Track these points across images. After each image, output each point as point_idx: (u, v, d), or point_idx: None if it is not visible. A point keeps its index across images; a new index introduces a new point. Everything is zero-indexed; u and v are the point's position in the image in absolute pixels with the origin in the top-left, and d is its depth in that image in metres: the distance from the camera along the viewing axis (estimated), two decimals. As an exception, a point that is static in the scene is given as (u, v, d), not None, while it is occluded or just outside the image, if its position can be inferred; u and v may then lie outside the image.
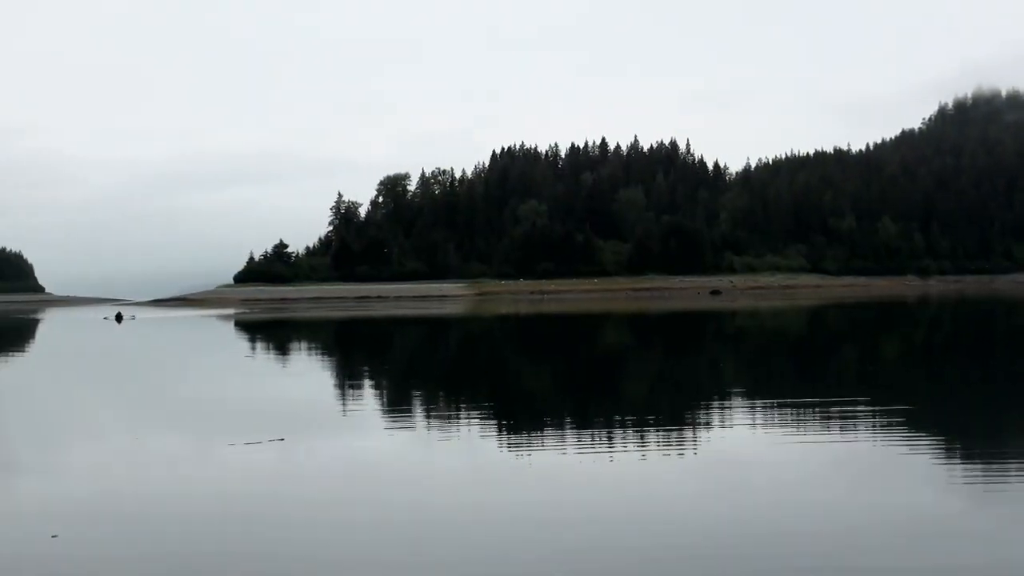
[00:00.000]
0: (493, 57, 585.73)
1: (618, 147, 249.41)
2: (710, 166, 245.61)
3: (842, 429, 16.78)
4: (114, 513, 11.70)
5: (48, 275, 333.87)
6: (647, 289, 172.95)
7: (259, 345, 50.92)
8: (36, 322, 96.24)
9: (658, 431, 17.10)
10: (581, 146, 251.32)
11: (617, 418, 18.99)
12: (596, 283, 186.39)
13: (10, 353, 48.25)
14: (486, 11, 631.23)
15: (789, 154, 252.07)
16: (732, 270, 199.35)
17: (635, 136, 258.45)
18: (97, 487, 13.26)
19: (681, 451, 15.10)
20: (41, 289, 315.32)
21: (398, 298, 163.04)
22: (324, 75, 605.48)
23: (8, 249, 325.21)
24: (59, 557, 9.85)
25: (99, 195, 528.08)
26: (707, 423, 18.04)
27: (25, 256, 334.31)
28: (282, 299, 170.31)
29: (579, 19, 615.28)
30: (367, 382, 28.67)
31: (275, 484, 13.26)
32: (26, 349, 52.88)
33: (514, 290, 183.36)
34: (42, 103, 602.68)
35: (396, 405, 22.49)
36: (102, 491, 12.97)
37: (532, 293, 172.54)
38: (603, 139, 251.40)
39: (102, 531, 10.84)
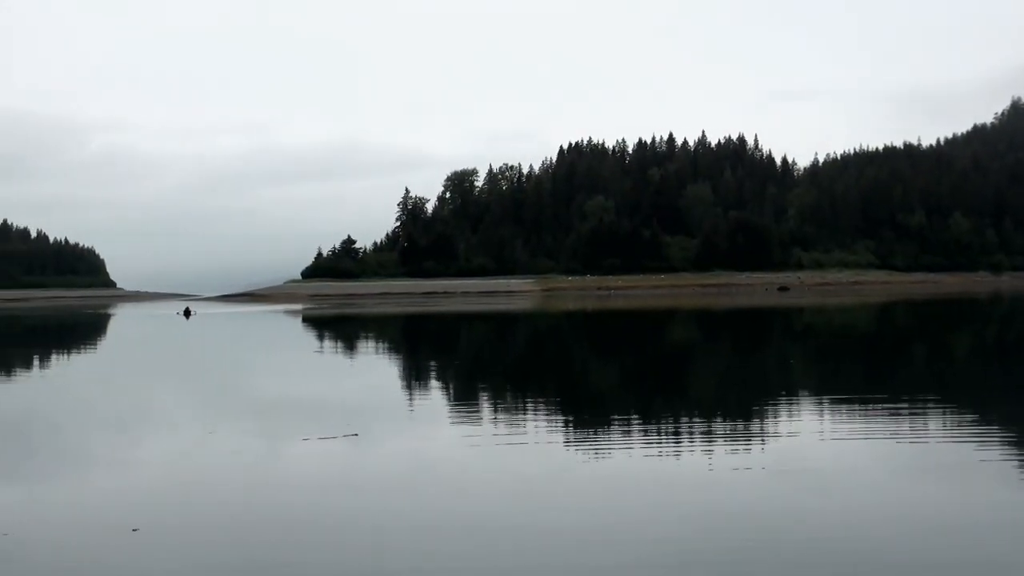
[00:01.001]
0: (562, 53, 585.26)
1: (685, 142, 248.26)
2: (778, 161, 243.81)
3: (912, 428, 16.62)
4: (193, 507, 11.79)
5: (119, 270, 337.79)
6: (714, 285, 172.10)
7: (327, 340, 51.25)
8: (107, 317, 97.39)
9: (725, 430, 17.09)
10: (648, 141, 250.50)
11: (684, 417, 18.94)
12: (663, 279, 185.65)
13: (84, 348, 48.97)
14: (555, 7, 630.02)
15: (858, 149, 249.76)
16: (800, 266, 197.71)
17: (702, 131, 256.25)
18: (175, 481, 13.36)
19: (748, 451, 14.96)
20: (112, 284, 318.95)
21: (465, 294, 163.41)
22: (394, 72, 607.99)
23: (81, 245, 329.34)
24: (141, 550, 9.92)
25: (171, 191, 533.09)
26: (775, 422, 17.93)
27: (97, 251, 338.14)
28: (349, 295, 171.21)
29: (647, 15, 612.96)
30: (436, 378, 28.74)
31: (349, 479, 13.31)
32: (98, 344, 53.61)
33: (581, 286, 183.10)
34: (118, 100, 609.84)
35: (464, 402, 22.51)
36: (180, 485, 13.08)
37: (599, 289, 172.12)
38: (670, 134, 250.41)
39: (181, 524, 10.93)
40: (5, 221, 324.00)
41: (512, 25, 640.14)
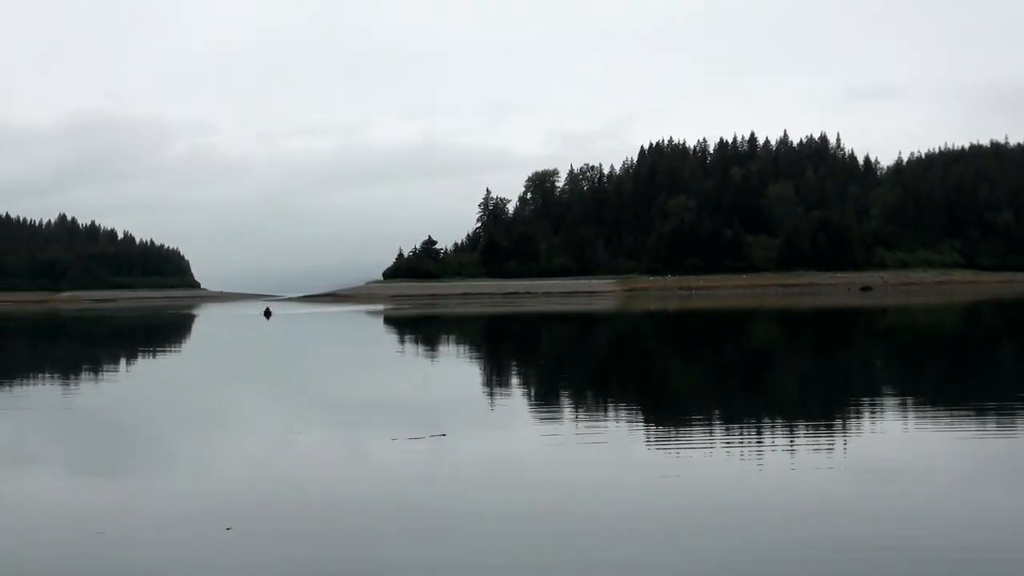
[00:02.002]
0: (642, 52, 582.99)
1: (767, 142, 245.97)
2: (860, 160, 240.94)
3: (999, 429, 16.47)
4: (285, 506, 11.88)
5: (204, 271, 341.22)
6: (796, 285, 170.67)
7: (409, 341, 51.52)
8: (191, 318, 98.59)
9: (807, 430, 17.06)
10: (729, 141, 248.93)
11: (766, 417, 18.93)
12: (744, 279, 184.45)
13: (169, 349, 49.82)
14: (635, 5, 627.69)
15: (943, 148, 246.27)
16: (883, 266, 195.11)
17: (784, 131, 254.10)
18: (266, 481, 13.51)
19: (831, 451, 14.93)
20: (197, 285, 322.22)
21: (546, 294, 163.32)
22: (475, 73, 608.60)
23: (167, 246, 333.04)
24: (233, 550, 10.02)
25: (255, 192, 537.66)
26: (858, 421, 17.84)
27: (182, 252, 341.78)
28: (431, 295, 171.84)
29: (728, 15, 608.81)
30: (519, 378, 28.85)
31: (439, 479, 13.38)
32: (183, 345, 54.42)
33: (662, 286, 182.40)
34: (203, 102, 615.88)
35: (548, 402, 22.48)
36: (271, 484, 13.21)
37: (680, 289, 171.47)
38: (752, 134, 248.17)
39: (274, 524, 11.02)
40: (93, 223, 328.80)
41: (593, 25, 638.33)
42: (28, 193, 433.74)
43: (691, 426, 17.66)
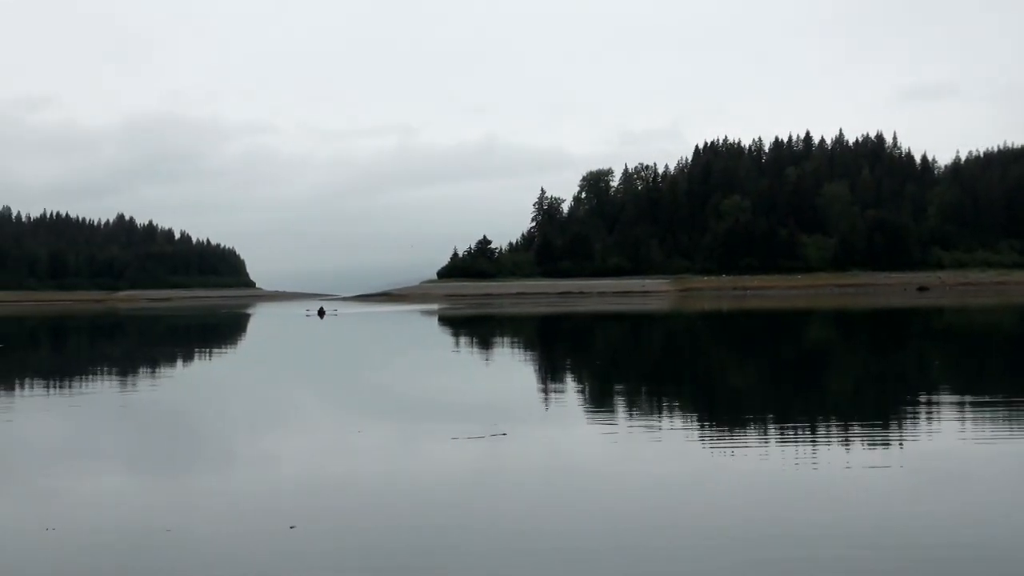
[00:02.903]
0: (700, 52, 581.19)
1: (822, 141, 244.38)
2: (917, 159, 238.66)
3: None
4: (348, 505, 11.91)
5: (259, 270, 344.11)
6: (851, 285, 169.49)
7: (464, 340, 51.57)
8: (246, 317, 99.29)
9: (862, 430, 16.97)
10: (784, 140, 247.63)
11: (820, 416, 18.90)
12: (799, 279, 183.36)
13: (226, 347, 50.28)
14: (693, 5, 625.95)
15: (1002, 147, 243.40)
16: (940, 266, 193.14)
17: (840, 130, 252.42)
18: (328, 479, 13.54)
19: (886, 450, 14.92)
20: (252, 284, 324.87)
21: (600, 294, 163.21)
22: (532, 73, 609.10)
23: (223, 245, 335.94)
24: (297, 547, 10.07)
25: (311, 192, 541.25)
26: (913, 421, 17.76)
27: (238, 252, 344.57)
28: (485, 294, 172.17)
29: (781, 14, 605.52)
30: (576, 378, 28.77)
31: (501, 478, 13.40)
32: (240, 343, 54.91)
33: (716, 286, 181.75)
34: (260, 103, 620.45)
35: (605, 402, 22.38)
36: (334, 483, 13.26)
37: (734, 289, 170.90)
38: (807, 133, 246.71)
39: (337, 523, 11.04)
40: (151, 222, 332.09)
41: (648, 24, 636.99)
42: (88, 193, 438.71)
43: (746, 425, 17.59)
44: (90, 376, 32.20)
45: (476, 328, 64.83)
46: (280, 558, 9.71)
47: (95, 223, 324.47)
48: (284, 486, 13.18)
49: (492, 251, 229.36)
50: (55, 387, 27.89)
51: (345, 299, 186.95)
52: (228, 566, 9.47)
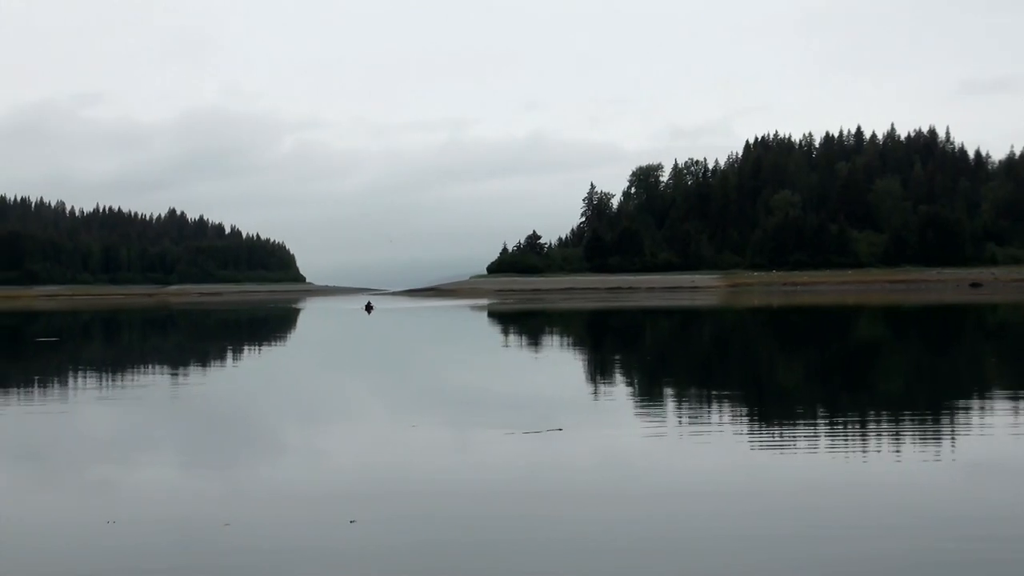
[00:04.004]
0: (748, 47, 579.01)
1: (874, 136, 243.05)
2: (971, 154, 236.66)
3: None
4: (406, 500, 11.83)
5: (309, 265, 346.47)
6: (903, 281, 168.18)
7: (514, 335, 51.54)
8: (295, 311, 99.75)
9: (914, 425, 16.82)
10: (835, 135, 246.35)
11: (871, 411, 18.76)
12: (850, 275, 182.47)
13: (274, 341, 50.62)
14: (742, 5, 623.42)
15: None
16: (993, 262, 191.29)
17: (891, 124, 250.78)
18: (386, 474, 13.48)
19: (938, 444, 14.84)
20: (302, 279, 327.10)
21: (649, 289, 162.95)
22: (580, 69, 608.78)
23: (273, 240, 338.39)
24: (357, 542, 10.01)
25: (362, 187, 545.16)
26: (966, 417, 17.59)
27: (288, 247, 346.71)
28: (534, 290, 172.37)
29: (836, 6, 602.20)
30: (630, 374, 28.53)
31: (558, 474, 13.25)
32: (288, 337, 55.29)
33: (766, 281, 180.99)
34: (313, 98, 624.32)
35: (658, 398, 22.22)
36: (391, 477, 13.19)
37: (784, 285, 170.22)
38: (858, 127, 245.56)
39: (395, 517, 10.97)
40: (201, 217, 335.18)
41: (698, 21, 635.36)
42: (141, 188, 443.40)
43: (796, 425, 17.38)
44: (143, 369, 32.46)
45: (526, 323, 64.79)
46: (341, 552, 9.71)
47: (147, 218, 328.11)
48: (341, 480, 13.17)
49: (541, 246, 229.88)
50: (109, 380, 28.12)
51: (394, 294, 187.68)
52: (289, 560, 9.50)
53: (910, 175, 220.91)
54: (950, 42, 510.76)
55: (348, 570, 9.20)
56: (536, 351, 38.64)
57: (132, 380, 28.11)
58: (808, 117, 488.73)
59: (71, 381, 27.87)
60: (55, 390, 25.11)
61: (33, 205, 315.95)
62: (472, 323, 68.59)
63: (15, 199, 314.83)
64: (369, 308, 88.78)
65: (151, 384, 26.64)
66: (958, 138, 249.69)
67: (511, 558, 9.48)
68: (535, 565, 9.28)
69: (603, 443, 15.74)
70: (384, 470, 13.76)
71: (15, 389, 25.66)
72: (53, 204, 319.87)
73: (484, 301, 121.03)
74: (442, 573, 9.10)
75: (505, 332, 55.42)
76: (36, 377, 29.00)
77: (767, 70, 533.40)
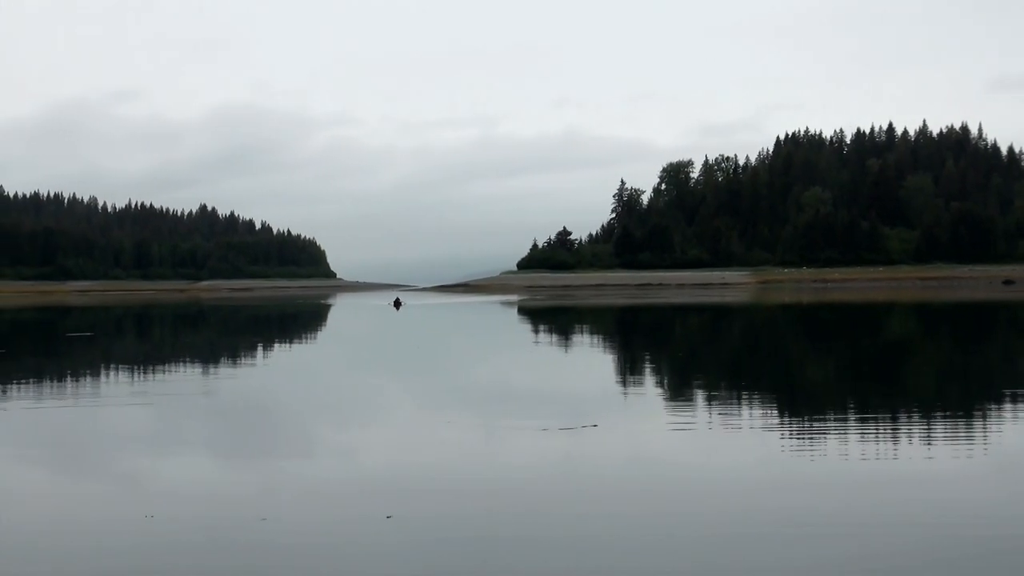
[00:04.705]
0: (780, 44, 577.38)
1: (905, 132, 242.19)
2: (1004, 151, 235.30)
3: None
4: (442, 496, 11.79)
5: (340, 261, 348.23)
6: (934, 278, 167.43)
7: (545, 331, 51.45)
8: (325, 307, 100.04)
9: (945, 422, 16.71)
10: (867, 132, 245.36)
11: (902, 408, 18.68)
12: (881, 272, 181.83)
13: (305, 337, 50.82)
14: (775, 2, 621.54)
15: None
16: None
17: (923, 121, 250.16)
18: (421, 470, 13.43)
19: (970, 441, 14.80)
20: (332, 275, 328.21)
21: (679, 286, 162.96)
22: (610, 64, 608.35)
23: (303, 236, 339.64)
24: (396, 538, 10.00)
25: (392, 184, 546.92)
26: (1000, 417, 17.41)
27: (318, 243, 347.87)
28: (564, 286, 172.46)
29: (868, 3, 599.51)
30: (662, 371, 28.52)
31: (596, 471, 13.19)
32: (319, 333, 55.53)
33: (797, 278, 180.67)
34: (344, 95, 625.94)
35: (692, 395, 21.87)
36: (427, 473, 13.16)
37: (814, 282, 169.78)
38: (890, 124, 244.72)
39: (432, 514, 10.93)
40: (232, 213, 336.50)
41: (730, 16, 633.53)
42: (173, 184, 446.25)
43: (826, 422, 17.27)
44: (176, 364, 32.57)
45: (556, 319, 64.81)
46: (379, 548, 9.71)
47: (178, 214, 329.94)
48: (377, 476, 13.17)
49: (572, 242, 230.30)
50: (141, 375, 28.23)
51: (424, 290, 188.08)
52: (327, 556, 9.50)
53: (942, 172, 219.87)
54: (982, 38, 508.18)
55: (387, 566, 9.19)
56: (567, 347, 38.59)
57: (165, 375, 28.21)
58: (839, 114, 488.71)
59: (105, 376, 28.02)
60: (90, 385, 25.25)
61: (66, 201, 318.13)
62: (502, 319, 68.74)
63: (49, 195, 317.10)
64: (398, 304, 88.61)
65: (184, 379, 26.74)
66: (990, 135, 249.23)
67: (550, 555, 9.45)
68: (575, 562, 9.25)
69: (639, 439, 15.74)
70: (420, 466, 13.72)
71: (51, 384, 25.76)
72: (86, 200, 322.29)
73: (514, 297, 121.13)
74: (480, 569, 9.09)
75: (535, 328, 55.50)
76: (71, 372, 29.19)
77: (799, 67, 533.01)
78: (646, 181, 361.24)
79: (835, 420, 17.46)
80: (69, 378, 27.38)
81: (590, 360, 32.12)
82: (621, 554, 9.44)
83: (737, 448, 14.81)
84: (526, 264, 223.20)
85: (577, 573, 8.96)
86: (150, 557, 9.51)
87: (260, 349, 39.79)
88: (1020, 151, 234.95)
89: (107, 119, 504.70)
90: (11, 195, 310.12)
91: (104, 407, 20.58)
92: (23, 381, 26.10)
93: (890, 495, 11.57)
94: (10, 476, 13.63)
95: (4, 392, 23.19)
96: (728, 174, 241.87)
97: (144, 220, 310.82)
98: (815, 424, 16.96)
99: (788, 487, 12.16)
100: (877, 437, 15.38)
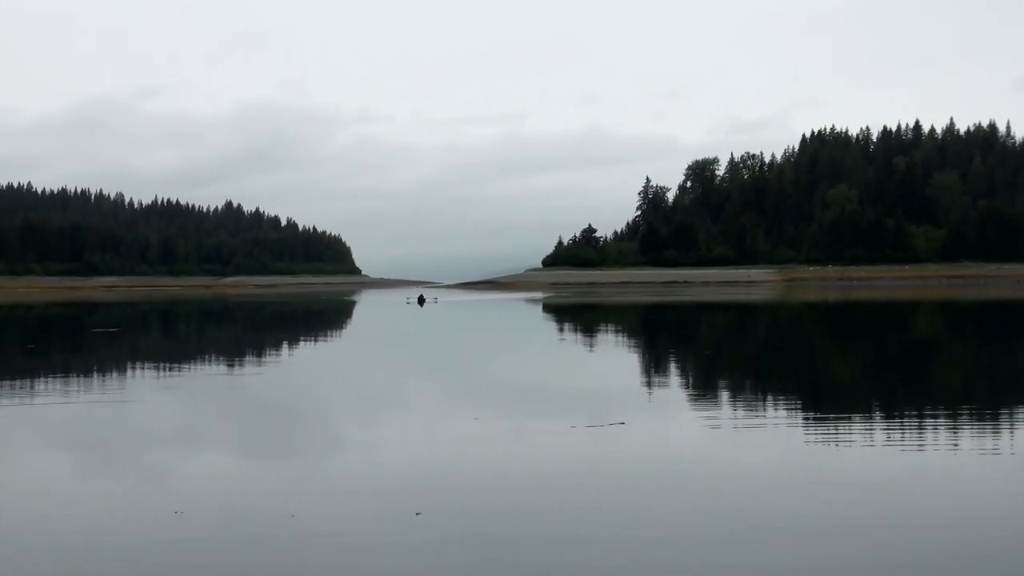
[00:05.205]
0: (807, 42, 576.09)
1: (932, 130, 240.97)
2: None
3: None
4: (470, 492, 11.80)
5: (365, 257, 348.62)
6: (961, 277, 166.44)
7: (570, 329, 51.45)
8: (350, 304, 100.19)
9: (971, 419, 16.76)
10: (893, 129, 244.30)
11: (928, 406, 18.74)
12: (907, 270, 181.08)
13: (330, 333, 50.99)
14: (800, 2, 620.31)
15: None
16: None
17: (950, 118, 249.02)
18: (449, 466, 13.48)
19: (998, 441, 14.76)
20: (358, 271, 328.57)
21: (704, 283, 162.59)
22: (636, 61, 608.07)
23: (329, 232, 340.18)
24: (425, 534, 10.00)
25: (418, 181, 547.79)
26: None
27: (344, 239, 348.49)
28: (589, 283, 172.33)
29: (893, 2, 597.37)
30: (689, 368, 28.54)
31: (623, 468, 13.17)
32: (344, 329, 55.80)
33: (822, 276, 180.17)
34: (370, 92, 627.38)
35: (719, 392, 21.99)
36: (455, 470, 13.20)
37: (840, 280, 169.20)
38: (916, 122, 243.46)
39: (461, 510, 10.94)
40: (257, 209, 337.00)
41: (757, 14, 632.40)
42: (199, 181, 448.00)
43: (850, 420, 17.24)
44: (202, 360, 32.76)
45: (582, 316, 64.73)
46: (409, 544, 9.72)
47: (204, 210, 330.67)
48: (405, 472, 13.15)
49: (597, 240, 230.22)
50: (168, 370, 28.34)
51: (449, 287, 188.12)
52: (357, 552, 9.53)
53: (969, 170, 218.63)
54: (1010, 35, 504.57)
55: (416, 562, 9.21)
56: (593, 345, 38.54)
57: (190, 371, 28.37)
58: (866, 111, 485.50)
59: (132, 372, 28.16)
60: (117, 380, 25.40)
61: (93, 197, 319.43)
62: (528, 316, 68.68)
63: (76, 192, 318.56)
64: (421, 301, 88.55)
65: (209, 375, 26.90)
66: (1018, 132, 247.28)
67: (579, 552, 9.45)
68: (604, 560, 9.23)
69: (667, 437, 15.70)
70: (447, 463, 13.74)
71: (79, 379, 25.88)
72: (113, 197, 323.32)
73: (539, 294, 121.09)
74: (510, 566, 9.10)
75: (561, 325, 55.46)
76: (99, 368, 29.32)
77: (826, 64, 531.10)
78: (672, 179, 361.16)
79: (861, 419, 17.41)
80: (97, 374, 27.49)
81: (617, 358, 32.06)
82: (649, 551, 9.44)
83: (764, 446, 14.78)
84: (551, 261, 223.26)
85: (607, 571, 8.94)
86: (179, 552, 9.54)
87: (286, 345, 39.89)
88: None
89: (134, 116, 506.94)
90: (39, 191, 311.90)
91: (131, 403, 20.66)
92: (52, 377, 26.27)
93: (916, 493, 11.57)
94: (39, 471, 13.67)
95: (33, 388, 23.32)
96: (754, 172, 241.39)
97: (170, 216, 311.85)
98: (841, 422, 16.90)
99: (814, 484, 12.15)
100: (903, 436, 15.35)
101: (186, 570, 9.09)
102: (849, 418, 17.50)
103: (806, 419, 17.47)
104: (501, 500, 11.45)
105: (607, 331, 48.22)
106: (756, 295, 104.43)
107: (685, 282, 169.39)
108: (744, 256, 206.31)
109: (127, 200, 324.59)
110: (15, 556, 9.60)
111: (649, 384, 24.07)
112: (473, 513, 10.83)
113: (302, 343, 42.13)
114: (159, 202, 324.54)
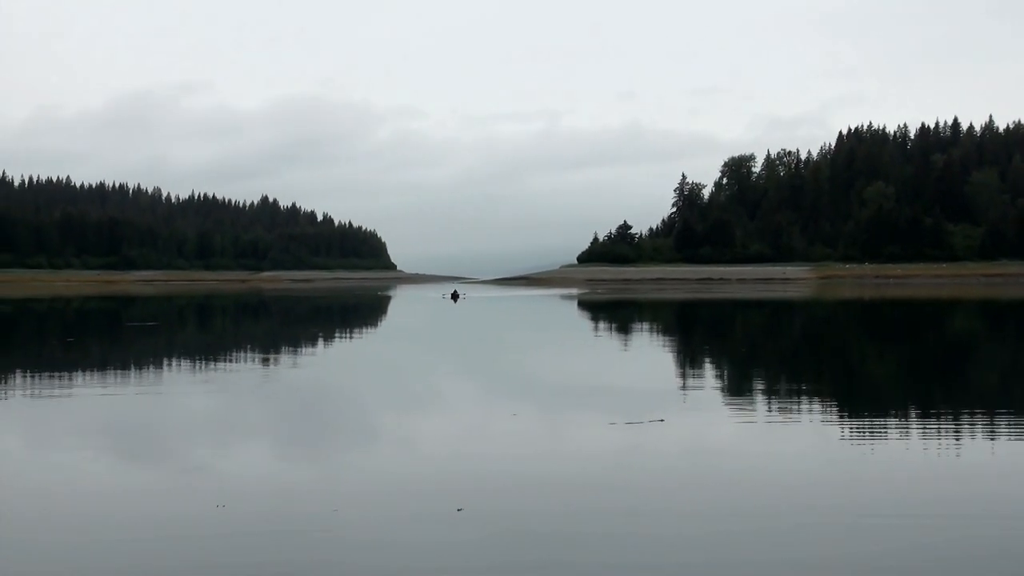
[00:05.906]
0: (845, 39, 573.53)
1: (971, 128, 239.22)
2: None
3: None
4: (512, 489, 11.80)
5: (401, 253, 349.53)
6: (1000, 275, 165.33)
7: (606, 325, 51.50)
8: (385, 299, 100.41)
9: (1010, 421, 16.64)
10: (931, 126, 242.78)
11: (964, 407, 18.58)
12: (944, 268, 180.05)
13: (366, 328, 51.28)
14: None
15: None
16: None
17: (990, 116, 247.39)
18: (489, 462, 13.45)
19: None
20: (393, 266, 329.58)
21: (740, 280, 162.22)
22: (677, 59, 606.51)
23: (365, 228, 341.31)
24: (467, 531, 9.99)
25: (456, 177, 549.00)
26: None
27: (380, 235, 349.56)
28: (625, 280, 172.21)
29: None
30: (726, 365, 28.52)
31: (663, 465, 13.15)
32: (379, 324, 55.85)
33: (858, 274, 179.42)
34: (409, 88, 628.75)
35: (757, 390, 21.89)
36: (495, 466, 13.13)
37: (876, 278, 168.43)
38: (955, 119, 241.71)
39: (503, 506, 10.94)
40: (294, 204, 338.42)
41: (796, 12, 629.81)
42: (235, 175, 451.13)
43: (886, 418, 17.27)
44: (239, 354, 32.88)
45: (617, 313, 64.70)
46: (451, 541, 9.71)
47: (240, 205, 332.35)
48: (445, 468, 13.14)
49: (632, 236, 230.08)
50: (204, 364, 28.48)
51: (484, 282, 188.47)
52: (400, 548, 9.53)
53: (1008, 168, 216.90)
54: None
55: (459, 558, 9.21)
56: (629, 341, 38.55)
57: (227, 365, 28.46)
58: (903, 108, 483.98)
59: (170, 365, 28.32)
60: (157, 374, 25.49)
61: (131, 192, 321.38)
62: (563, 312, 68.72)
63: (115, 186, 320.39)
64: (455, 296, 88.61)
65: (246, 369, 26.99)
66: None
67: (622, 549, 9.44)
68: (649, 557, 9.25)
69: (707, 434, 15.67)
70: (488, 459, 13.74)
71: (119, 372, 26.03)
72: (150, 191, 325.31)
73: (574, 291, 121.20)
74: (553, 563, 9.09)
75: (597, 322, 55.44)
76: (138, 361, 29.45)
77: (863, 62, 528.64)
78: (708, 175, 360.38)
79: (897, 418, 17.36)
80: (139, 367, 27.62)
81: (654, 354, 32.10)
82: (691, 548, 9.45)
83: (801, 444, 14.72)
84: (587, 258, 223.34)
85: (648, 568, 8.95)
86: (223, 547, 9.58)
87: (323, 340, 40.06)
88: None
89: (173, 110, 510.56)
90: (78, 186, 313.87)
91: (171, 396, 20.73)
92: (91, 370, 26.47)
93: (954, 492, 11.53)
94: (80, 465, 13.69)
95: (72, 381, 23.46)
96: (790, 169, 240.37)
97: (207, 211, 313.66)
98: (877, 420, 16.89)
99: (851, 482, 12.12)
100: (939, 433, 15.32)
101: (232, 564, 9.12)
102: (885, 417, 17.45)
103: (848, 417, 17.44)
104: (543, 497, 11.41)
105: (643, 328, 48.21)
106: (791, 292, 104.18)
107: (720, 279, 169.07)
108: (780, 253, 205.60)
109: (164, 195, 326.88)
110: (60, 548, 9.64)
111: (687, 381, 23.97)
112: (515, 510, 10.83)
113: (339, 337, 42.30)
114: (196, 197, 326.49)
